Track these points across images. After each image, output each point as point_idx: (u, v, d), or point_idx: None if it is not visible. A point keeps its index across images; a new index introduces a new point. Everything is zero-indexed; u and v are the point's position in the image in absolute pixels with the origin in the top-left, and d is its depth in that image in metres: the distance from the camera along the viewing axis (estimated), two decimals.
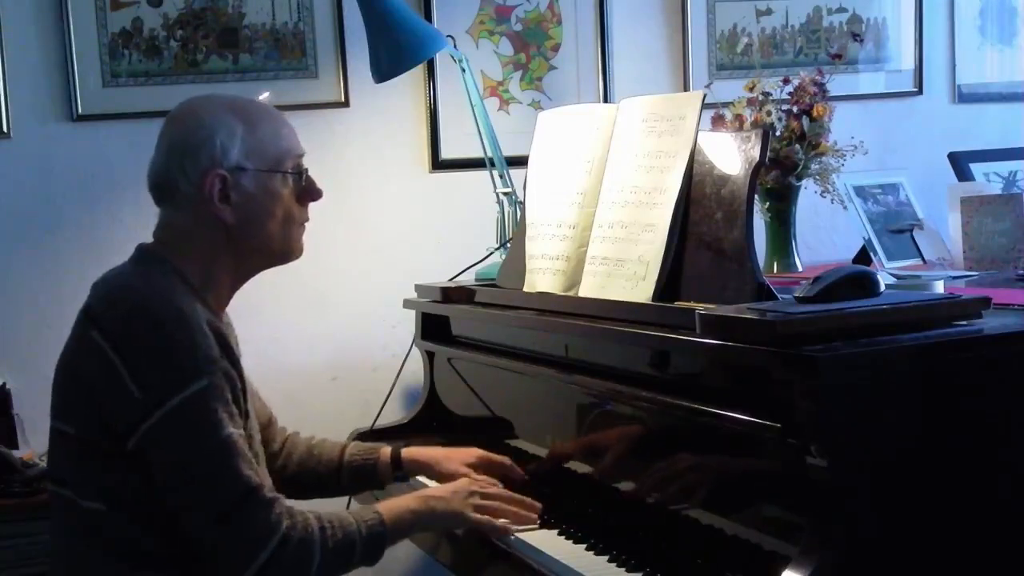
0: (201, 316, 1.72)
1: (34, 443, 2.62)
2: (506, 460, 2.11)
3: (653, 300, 1.85)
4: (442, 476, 2.08)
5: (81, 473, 1.73)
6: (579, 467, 2.01)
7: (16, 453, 2.53)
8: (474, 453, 2.11)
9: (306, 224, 1.90)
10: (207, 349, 1.69)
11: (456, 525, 1.92)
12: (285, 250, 1.87)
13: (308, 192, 1.88)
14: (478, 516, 1.88)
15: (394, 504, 1.86)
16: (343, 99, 2.97)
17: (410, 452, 2.14)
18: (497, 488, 1.96)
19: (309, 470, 2.12)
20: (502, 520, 1.89)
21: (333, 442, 2.18)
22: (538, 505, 1.93)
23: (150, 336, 1.67)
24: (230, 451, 1.67)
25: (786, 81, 2.49)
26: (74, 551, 1.76)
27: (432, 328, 2.53)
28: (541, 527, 1.90)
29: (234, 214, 1.79)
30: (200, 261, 1.80)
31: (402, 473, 2.13)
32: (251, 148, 1.80)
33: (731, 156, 1.83)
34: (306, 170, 1.88)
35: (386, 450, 2.15)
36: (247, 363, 1.84)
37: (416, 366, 2.59)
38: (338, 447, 2.16)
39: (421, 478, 2.15)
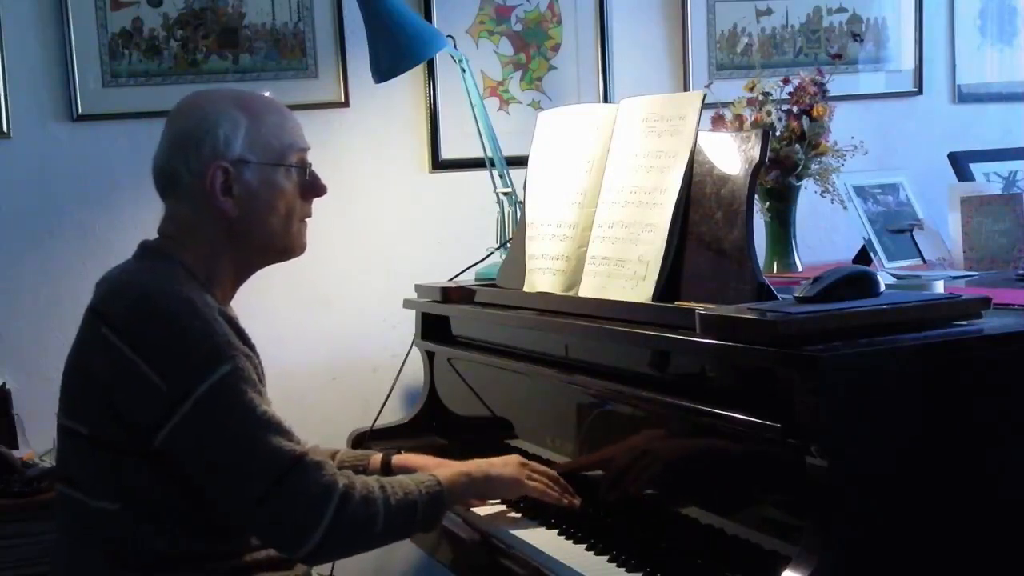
0: (212, 305, 1.71)
1: (34, 443, 2.62)
2: None
3: (653, 300, 1.85)
4: None
5: (92, 472, 1.71)
6: (579, 467, 2.01)
7: (16, 453, 2.53)
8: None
9: (308, 220, 1.89)
10: (224, 335, 1.67)
11: (512, 492, 1.93)
12: (286, 246, 1.85)
13: (312, 187, 1.86)
14: (534, 484, 1.90)
15: (448, 469, 1.87)
16: (343, 99, 2.97)
17: (401, 459, 2.09)
18: (543, 468, 1.97)
19: None
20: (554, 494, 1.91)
21: (323, 450, 2.12)
22: (578, 499, 1.93)
23: (165, 328, 1.65)
24: (267, 429, 1.65)
25: (786, 81, 2.49)
26: (77, 552, 1.75)
27: (432, 328, 2.53)
28: (541, 527, 1.90)
29: (236, 207, 1.77)
30: (203, 254, 1.79)
31: None
32: (255, 141, 1.78)
33: (731, 156, 1.83)
34: (310, 165, 1.87)
35: (376, 456, 2.11)
36: None
37: (416, 366, 2.59)
38: (327, 454, 2.10)
39: None
